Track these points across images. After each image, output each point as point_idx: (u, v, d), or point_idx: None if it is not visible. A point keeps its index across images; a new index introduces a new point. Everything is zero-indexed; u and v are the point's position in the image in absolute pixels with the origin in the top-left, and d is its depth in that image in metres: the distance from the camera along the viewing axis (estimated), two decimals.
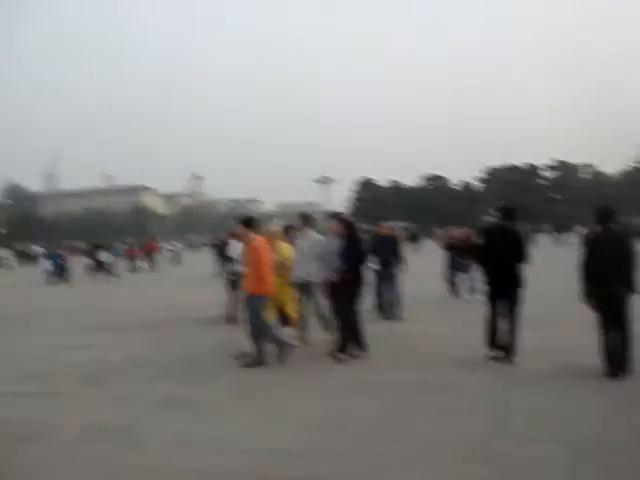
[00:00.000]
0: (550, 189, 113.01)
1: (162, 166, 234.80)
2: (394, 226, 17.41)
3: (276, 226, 12.26)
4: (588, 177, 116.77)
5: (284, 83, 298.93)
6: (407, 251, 15.66)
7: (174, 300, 20.08)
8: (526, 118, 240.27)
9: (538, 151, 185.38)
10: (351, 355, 9.81)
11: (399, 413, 7.05)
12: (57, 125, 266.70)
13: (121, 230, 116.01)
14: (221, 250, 19.82)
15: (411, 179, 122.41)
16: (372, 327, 12.20)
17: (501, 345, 9.33)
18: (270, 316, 10.98)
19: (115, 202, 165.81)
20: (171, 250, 50.71)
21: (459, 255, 17.46)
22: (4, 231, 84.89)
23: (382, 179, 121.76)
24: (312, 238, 11.05)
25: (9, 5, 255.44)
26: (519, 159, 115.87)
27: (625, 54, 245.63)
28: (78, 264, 36.92)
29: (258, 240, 9.74)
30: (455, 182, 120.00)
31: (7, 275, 45.59)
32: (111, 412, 7.51)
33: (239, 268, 10.40)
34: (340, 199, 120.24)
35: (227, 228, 12.82)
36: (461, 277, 17.58)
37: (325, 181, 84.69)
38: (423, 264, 27.05)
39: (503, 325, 9.36)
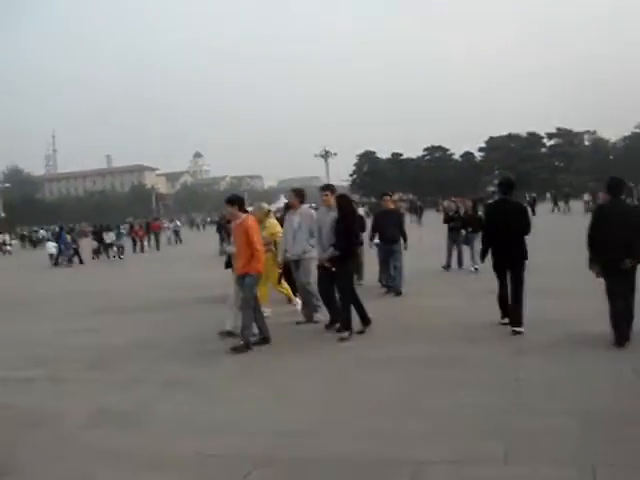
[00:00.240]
0: (552, 157, 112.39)
1: (163, 145, 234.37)
2: (400, 198, 17.34)
3: (263, 203, 12.26)
4: (589, 144, 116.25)
5: (287, 60, 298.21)
6: (411, 224, 15.56)
7: (178, 280, 20.03)
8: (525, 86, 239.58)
9: (540, 119, 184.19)
10: (359, 331, 9.75)
11: (409, 389, 6.93)
12: (56, 108, 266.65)
13: (123, 211, 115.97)
14: (223, 228, 19.71)
15: (412, 151, 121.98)
16: (376, 302, 12.17)
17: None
18: (261, 295, 11.01)
19: (117, 183, 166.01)
20: (173, 229, 50.61)
21: (463, 227, 17.33)
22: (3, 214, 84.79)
23: (383, 151, 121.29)
24: (305, 213, 10.96)
25: None
26: (522, 128, 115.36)
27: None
28: (85, 246, 36.79)
29: (247, 219, 9.51)
30: (456, 153, 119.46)
31: (10, 259, 45.64)
32: (115, 396, 7.42)
33: (231, 248, 10.23)
34: (342, 173, 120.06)
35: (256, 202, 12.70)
36: (463, 249, 17.44)
37: (327, 155, 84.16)
38: (426, 236, 26.96)
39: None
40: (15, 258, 47.00)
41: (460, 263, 17.55)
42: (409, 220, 36.91)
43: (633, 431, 5.32)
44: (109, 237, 36.06)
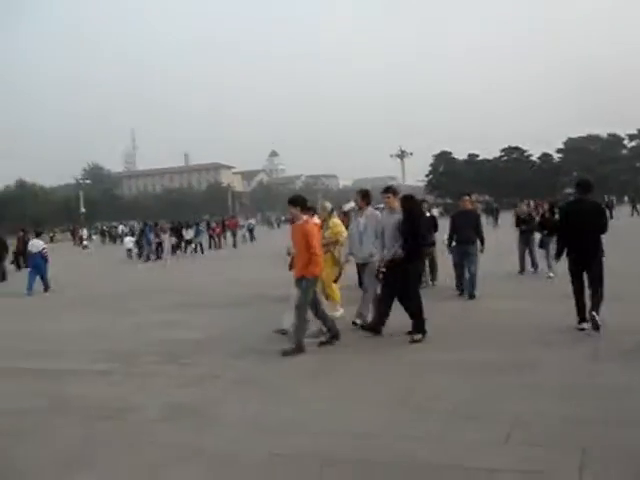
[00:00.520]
0: (633, 159, 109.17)
1: (240, 144, 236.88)
2: (476, 200, 17.14)
3: (327, 202, 12.19)
4: None
5: (368, 60, 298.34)
6: (487, 225, 15.34)
7: (252, 277, 20.20)
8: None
9: (620, 119, 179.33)
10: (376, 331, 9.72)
11: (479, 394, 6.78)
12: (136, 106, 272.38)
13: (199, 208, 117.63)
14: None
15: (488, 152, 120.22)
16: (448, 304, 12.09)
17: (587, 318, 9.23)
18: (333, 295, 11.26)
19: (194, 181, 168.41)
20: (247, 228, 51.15)
21: (539, 230, 16.98)
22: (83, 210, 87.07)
23: (459, 152, 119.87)
24: (370, 215, 10.77)
25: None
26: (602, 129, 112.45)
27: None
28: (164, 242, 37.38)
29: (308, 222, 9.43)
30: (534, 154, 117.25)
31: (90, 254, 46.76)
32: (188, 391, 7.55)
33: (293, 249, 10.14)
34: (417, 173, 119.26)
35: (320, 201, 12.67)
36: (539, 253, 17.09)
37: (402, 155, 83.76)
38: (501, 238, 26.57)
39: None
40: (95, 253, 48.17)
41: (535, 266, 17.19)
42: (485, 222, 36.42)
43: None
44: (188, 234, 36.71)
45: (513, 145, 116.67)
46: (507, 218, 50.48)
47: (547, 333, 9.42)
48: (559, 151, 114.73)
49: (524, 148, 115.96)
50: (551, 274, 15.41)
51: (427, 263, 14.92)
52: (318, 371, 8.23)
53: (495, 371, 7.61)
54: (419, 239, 9.74)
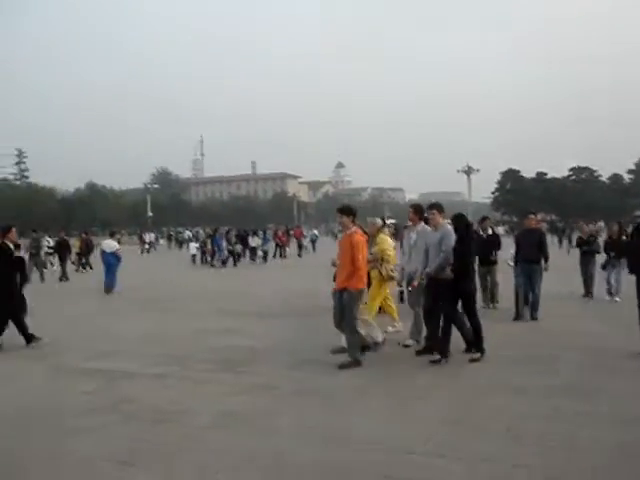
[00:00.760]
0: None
1: (307, 154, 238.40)
2: (542, 219, 16.88)
3: (377, 218, 12.13)
4: None
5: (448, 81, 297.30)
6: (552, 246, 15.06)
7: (313, 287, 20.19)
8: None
9: None
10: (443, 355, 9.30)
11: (542, 419, 6.59)
12: (202, 113, 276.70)
13: (265, 217, 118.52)
14: None
15: (557, 171, 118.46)
16: (510, 325, 11.90)
17: None
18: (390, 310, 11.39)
19: (260, 189, 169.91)
20: (310, 238, 51.38)
21: (606, 252, 16.59)
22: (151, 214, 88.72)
23: (527, 170, 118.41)
24: (421, 230, 10.59)
25: None
26: None
27: None
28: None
29: (356, 233, 9.26)
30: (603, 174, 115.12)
31: (155, 258, 47.49)
32: (244, 399, 7.57)
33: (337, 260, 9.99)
34: (483, 190, 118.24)
35: (369, 217, 12.58)
36: (599, 274, 16.68)
37: (469, 171, 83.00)
38: (566, 258, 26.14)
39: None
40: (161, 257, 48.94)
41: (590, 294, 16.64)
42: (550, 241, 35.84)
43: None
44: (254, 241, 37.04)
45: (582, 165, 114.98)
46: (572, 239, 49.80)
47: (614, 358, 9.21)
48: (630, 172, 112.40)
49: (593, 168, 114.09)
50: (617, 298, 15.07)
51: (488, 285, 14.75)
52: (374, 385, 8.17)
53: (558, 395, 7.40)
54: (467, 258, 9.53)
